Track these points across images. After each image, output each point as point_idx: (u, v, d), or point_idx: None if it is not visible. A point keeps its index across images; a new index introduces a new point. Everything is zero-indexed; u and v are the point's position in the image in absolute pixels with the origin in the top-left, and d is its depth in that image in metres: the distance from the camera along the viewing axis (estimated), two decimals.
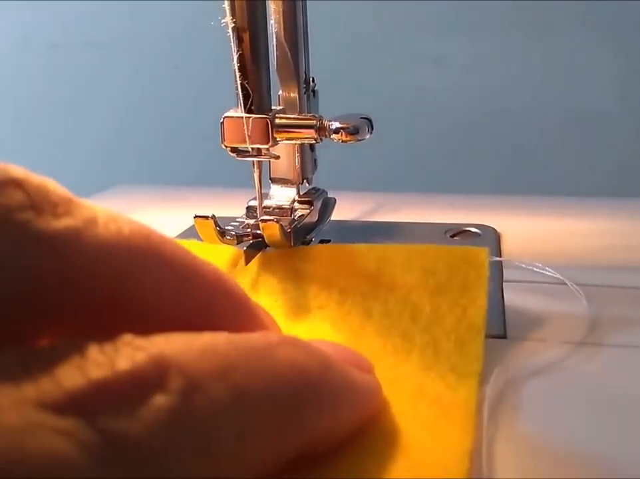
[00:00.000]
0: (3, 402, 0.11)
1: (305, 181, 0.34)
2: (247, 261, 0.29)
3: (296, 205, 0.33)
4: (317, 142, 0.30)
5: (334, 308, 0.26)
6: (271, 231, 0.28)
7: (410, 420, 0.19)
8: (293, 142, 0.31)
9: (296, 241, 0.31)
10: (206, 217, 0.29)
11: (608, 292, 0.29)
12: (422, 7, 0.77)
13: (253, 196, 0.33)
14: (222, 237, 0.30)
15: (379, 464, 0.18)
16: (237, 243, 0.30)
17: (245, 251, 0.29)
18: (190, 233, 0.36)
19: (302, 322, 0.26)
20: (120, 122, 0.91)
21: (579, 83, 0.77)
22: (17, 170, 0.15)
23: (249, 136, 0.29)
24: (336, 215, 0.36)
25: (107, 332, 0.15)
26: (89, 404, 0.12)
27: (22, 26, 0.91)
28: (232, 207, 0.34)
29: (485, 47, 0.78)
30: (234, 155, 0.30)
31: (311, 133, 0.29)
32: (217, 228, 0.29)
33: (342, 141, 0.29)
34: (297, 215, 0.32)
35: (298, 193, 0.33)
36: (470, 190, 0.74)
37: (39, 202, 0.14)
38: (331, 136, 0.29)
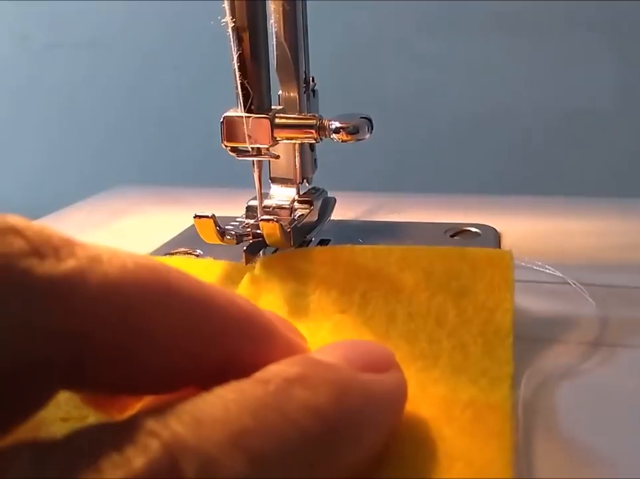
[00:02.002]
0: None
1: (304, 180, 0.34)
2: (247, 261, 0.29)
3: (296, 204, 0.33)
4: (316, 142, 0.30)
5: (356, 312, 0.25)
6: (271, 230, 0.28)
7: (446, 426, 0.19)
8: (293, 141, 0.31)
9: (296, 241, 0.31)
10: (206, 217, 0.29)
11: (609, 292, 0.29)
12: (422, 7, 0.77)
13: (253, 196, 0.33)
14: (222, 237, 0.29)
15: (424, 472, 0.17)
16: (237, 243, 0.30)
17: (245, 251, 0.29)
18: (190, 233, 0.36)
19: (324, 328, 0.25)
20: (119, 122, 0.91)
21: (580, 83, 0.77)
22: (15, 218, 0.15)
23: (249, 136, 0.29)
24: (336, 214, 0.36)
25: (122, 374, 0.15)
26: None
27: (21, 27, 0.91)
28: (232, 207, 0.34)
29: (485, 47, 0.78)
30: (234, 154, 0.30)
31: (311, 133, 0.29)
32: (217, 228, 0.29)
33: (343, 140, 0.29)
34: (297, 215, 0.32)
35: (298, 192, 0.33)
36: (469, 190, 0.74)
37: (41, 247, 0.14)
38: (331, 136, 0.29)
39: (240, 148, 0.30)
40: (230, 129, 0.29)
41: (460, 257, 0.27)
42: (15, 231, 0.14)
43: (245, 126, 0.29)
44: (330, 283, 0.27)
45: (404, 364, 0.20)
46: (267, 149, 0.29)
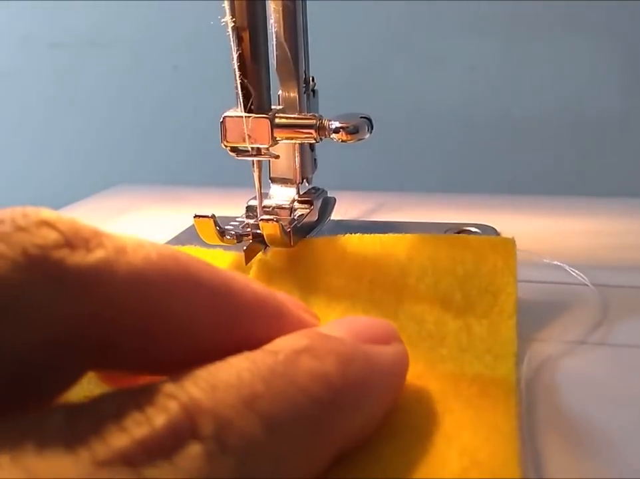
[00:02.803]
0: (64, 464, 0.12)
1: (304, 180, 0.34)
2: (247, 261, 0.29)
3: (296, 204, 0.33)
4: (316, 142, 0.30)
5: (365, 296, 0.26)
6: (271, 230, 0.28)
7: (453, 399, 0.20)
8: (293, 141, 0.31)
9: (296, 241, 0.31)
10: (206, 217, 0.29)
11: (610, 291, 0.29)
12: (422, 7, 0.77)
13: (253, 196, 0.33)
14: (222, 237, 0.30)
15: (433, 443, 0.18)
16: (237, 243, 0.30)
17: (245, 251, 0.29)
18: (190, 232, 0.36)
19: (335, 311, 0.26)
20: (119, 122, 0.91)
21: (580, 83, 0.77)
22: (48, 212, 0.16)
23: (248, 136, 0.29)
24: (336, 214, 0.36)
25: (146, 356, 0.17)
26: (136, 458, 0.13)
27: (22, 26, 0.91)
28: (232, 207, 0.34)
29: (486, 47, 0.78)
30: (234, 154, 0.30)
31: (310, 133, 0.29)
32: (217, 228, 0.29)
33: (342, 140, 0.29)
34: (297, 215, 0.32)
35: (298, 192, 0.33)
36: (470, 190, 0.74)
37: (72, 239, 0.15)
38: (331, 136, 0.29)
39: (240, 148, 0.30)
40: (230, 129, 0.29)
41: (464, 244, 0.28)
42: (48, 224, 0.15)
43: (245, 126, 0.29)
44: (340, 269, 0.28)
45: (412, 343, 0.22)
46: (267, 149, 0.29)
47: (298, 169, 0.33)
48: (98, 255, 0.15)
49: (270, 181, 0.34)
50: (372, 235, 0.29)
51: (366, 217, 0.42)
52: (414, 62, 0.80)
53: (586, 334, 0.26)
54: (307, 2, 0.31)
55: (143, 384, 0.15)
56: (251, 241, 0.30)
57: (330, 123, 0.29)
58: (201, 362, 0.16)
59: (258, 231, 0.29)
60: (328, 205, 0.35)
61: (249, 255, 0.30)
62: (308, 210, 0.33)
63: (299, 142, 0.31)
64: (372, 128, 0.29)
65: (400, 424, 0.19)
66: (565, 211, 0.42)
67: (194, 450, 0.13)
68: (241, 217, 0.33)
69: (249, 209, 0.33)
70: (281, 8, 0.30)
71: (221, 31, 0.28)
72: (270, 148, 0.29)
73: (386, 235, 0.29)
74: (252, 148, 0.29)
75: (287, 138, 0.30)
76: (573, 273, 0.30)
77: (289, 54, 0.31)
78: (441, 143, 0.82)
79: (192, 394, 0.14)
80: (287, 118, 0.30)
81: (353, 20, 0.80)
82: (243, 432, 0.14)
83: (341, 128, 0.29)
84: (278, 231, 0.28)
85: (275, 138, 0.29)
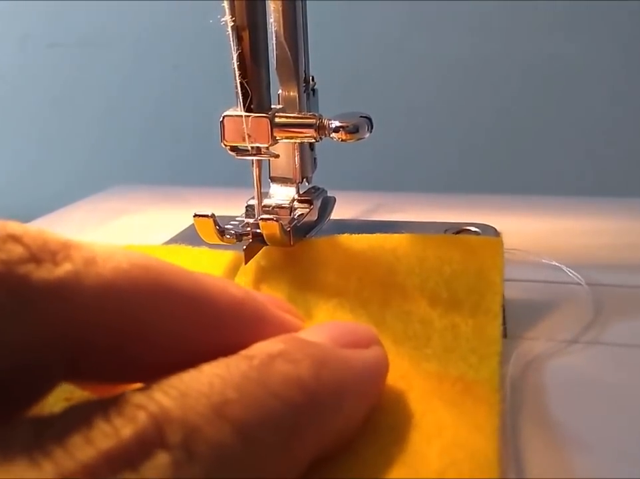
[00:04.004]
0: (27, 477, 0.12)
1: (304, 180, 0.34)
2: (247, 260, 0.29)
3: (296, 204, 0.33)
4: (316, 141, 0.30)
5: (353, 295, 0.26)
6: (271, 230, 0.28)
7: (436, 399, 0.20)
8: (293, 140, 0.31)
9: (295, 240, 0.31)
10: (206, 216, 0.29)
11: (611, 291, 0.29)
12: (422, 6, 0.77)
13: (253, 195, 0.33)
14: (222, 236, 0.29)
15: (413, 442, 0.18)
16: (237, 242, 0.30)
17: (244, 250, 0.29)
18: (190, 232, 0.36)
19: (322, 310, 0.26)
20: (118, 122, 0.91)
21: (580, 83, 0.77)
22: (14, 225, 0.15)
23: (248, 135, 0.29)
24: (336, 214, 0.36)
25: (119, 366, 0.16)
26: (101, 471, 0.13)
27: (22, 26, 0.91)
28: (232, 207, 0.34)
29: (486, 47, 0.78)
30: (233, 154, 0.30)
31: (310, 132, 0.29)
32: (217, 227, 0.29)
33: (342, 140, 0.29)
34: (297, 214, 0.32)
35: (298, 192, 0.33)
36: (470, 189, 0.74)
37: (38, 253, 0.15)
38: (331, 135, 0.29)
39: (239, 147, 0.30)
40: (229, 128, 0.29)
41: (452, 244, 0.28)
42: (14, 238, 0.15)
43: (244, 125, 0.29)
44: (328, 268, 0.28)
45: (397, 343, 0.22)
46: (267, 148, 0.29)
47: (298, 169, 0.33)
48: (65, 268, 0.15)
49: (270, 180, 0.34)
50: (361, 234, 0.29)
51: (366, 216, 0.42)
52: (415, 62, 0.80)
53: (577, 333, 0.26)
54: (307, 1, 0.31)
55: (113, 395, 0.15)
56: (250, 240, 0.30)
57: (330, 122, 0.29)
58: (178, 368, 0.16)
59: (258, 231, 0.29)
60: (328, 204, 0.35)
61: (248, 254, 0.30)
62: (308, 210, 0.33)
63: (299, 141, 0.31)
64: (372, 128, 0.29)
65: (381, 424, 0.19)
66: (565, 210, 0.42)
67: (161, 459, 0.13)
68: (241, 216, 0.33)
69: (249, 208, 0.33)
70: (280, 8, 0.30)
71: (221, 31, 0.28)
72: (270, 147, 0.29)
73: (375, 234, 0.29)
74: (252, 147, 0.29)
75: (286, 138, 0.30)
76: (569, 273, 0.30)
77: (288, 53, 0.31)
78: (441, 143, 0.82)
79: (161, 403, 0.14)
80: (286, 117, 0.29)
81: (354, 19, 0.80)
82: (213, 440, 0.14)
83: (341, 127, 0.29)
84: (278, 231, 0.28)
85: (275, 137, 0.29)
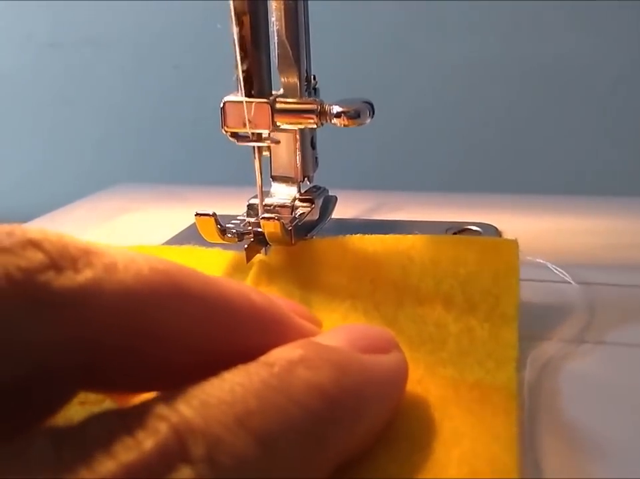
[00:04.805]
0: None
1: (306, 179, 0.33)
2: (248, 259, 0.29)
3: (297, 203, 0.33)
4: (318, 127, 0.29)
5: (366, 298, 0.26)
6: (272, 229, 0.28)
7: (453, 406, 0.20)
8: (294, 126, 0.30)
9: (297, 239, 0.31)
10: (207, 215, 0.29)
11: (612, 290, 0.29)
12: (423, 6, 0.77)
13: (254, 194, 0.33)
14: (223, 235, 0.29)
15: (432, 451, 0.18)
16: (238, 241, 0.30)
17: (245, 249, 0.29)
18: (190, 231, 0.36)
19: (336, 313, 0.26)
20: (119, 121, 0.91)
21: (580, 83, 0.77)
22: (34, 231, 0.15)
23: (249, 121, 0.28)
24: (337, 213, 0.36)
25: (139, 374, 0.16)
26: None
27: (23, 26, 0.91)
28: (233, 206, 0.34)
29: (486, 47, 0.78)
30: (234, 140, 0.29)
31: (312, 118, 0.29)
32: (218, 226, 0.29)
33: (344, 125, 0.28)
34: (298, 213, 0.32)
35: (299, 191, 0.33)
36: (470, 188, 0.74)
37: (59, 260, 0.15)
38: (332, 121, 0.29)
39: (240, 134, 0.29)
40: (230, 114, 0.29)
41: (467, 245, 0.27)
42: (34, 244, 0.15)
43: (245, 111, 0.28)
44: (341, 270, 0.27)
45: (412, 347, 0.22)
46: (268, 135, 0.29)
47: (299, 168, 0.33)
48: (86, 275, 0.15)
49: (271, 179, 0.34)
50: (373, 235, 0.29)
51: (367, 216, 0.42)
52: (415, 61, 0.80)
53: (578, 333, 0.26)
54: (309, 1, 0.31)
55: (133, 405, 0.15)
56: (252, 239, 0.30)
57: (331, 108, 0.29)
58: (197, 375, 0.16)
59: (259, 230, 0.29)
60: (329, 203, 0.35)
61: (250, 253, 0.30)
62: (309, 209, 0.33)
63: (300, 127, 0.30)
64: (373, 113, 0.29)
65: (398, 431, 0.19)
66: (566, 209, 0.42)
67: (184, 473, 0.13)
68: (242, 215, 0.33)
69: (250, 207, 0.33)
70: (282, 7, 0.30)
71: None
72: (271, 134, 0.29)
73: (388, 235, 0.29)
74: (252, 134, 0.29)
75: (288, 124, 0.29)
76: (558, 272, 0.30)
77: (290, 52, 0.31)
78: (442, 142, 0.82)
79: (183, 414, 0.14)
80: (287, 102, 0.29)
81: (356, 18, 0.80)
82: (236, 451, 0.14)
83: (342, 112, 0.28)
84: (279, 230, 0.28)
85: (276, 123, 0.29)
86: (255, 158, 0.30)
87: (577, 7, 0.74)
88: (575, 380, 0.23)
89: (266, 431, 0.14)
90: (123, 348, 0.16)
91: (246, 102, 0.28)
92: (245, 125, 0.29)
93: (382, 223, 0.39)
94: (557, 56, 0.77)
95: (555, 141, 0.79)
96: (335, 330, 0.20)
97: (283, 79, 0.31)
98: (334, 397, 0.16)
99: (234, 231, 0.30)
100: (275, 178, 0.33)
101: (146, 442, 0.13)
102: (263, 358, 0.17)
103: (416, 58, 0.80)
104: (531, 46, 0.77)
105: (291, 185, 0.33)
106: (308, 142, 0.33)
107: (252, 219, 0.32)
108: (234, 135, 0.29)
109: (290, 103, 0.29)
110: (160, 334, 0.16)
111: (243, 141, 0.29)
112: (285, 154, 0.32)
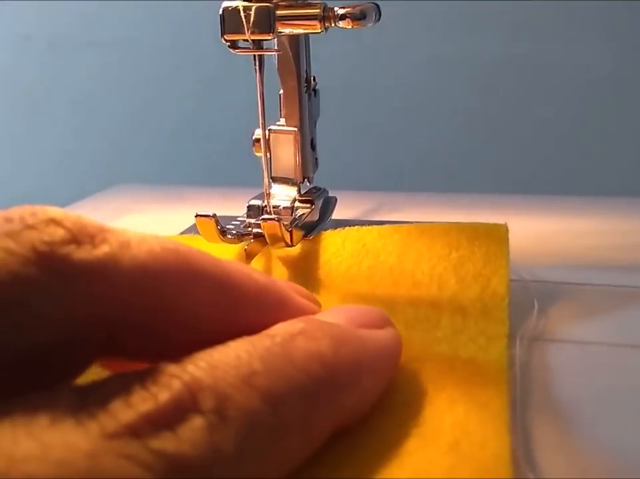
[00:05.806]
0: (75, 437, 0.13)
1: (305, 180, 0.34)
2: (249, 260, 0.30)
3: (297, 204, 0.33)
4: (321, 32, 0.28)
5: (364, 282, 0.28)
6: (272, 230, 0.28)
7: (448, 378, 0.21)
8: (297, 31, 0.29)
9: (297, 241, 0.31)
10: (207, 216, 0.29)
11: (612, 290, 0.29)
12: (423, 7, 0.77)
13: (254, 195, 0.33)
14: (223, 236, 0.30)
15: (427, 417, 0.19)
16: (239, 242, 0.30)
17: (246, 250, 0.30)
18: (191, 232, 0.36)
19: (334, 296, 0.27)
20: (120, 122, 0.91)
21: (580, 83, 0.77)
22: (55, 210, 0.17)
23: (249, 28, 0.27)
24: (337, 214, 0.36)
25: (150, 345, 0.18)
26: (142, 431, 0.14)
27: (23, 26, 0.91)
28: (233, 207, 0.34)
29: (486, 47, 0.78)
30: (233, 50, 0.28)
31: (315, 24, 0.28)
32: (219, 227, 0.29)
33: (351, 26, 0.27)
34: (298, 214, 0.32)
35: (299, 192, 0.33)
36: (470, 189, 0.74)
37: (78, 235, 0.16)
38: (338, 23, 0.28)
39: (240, 44, 0.28)
40: (229, 21, 0.27)
41: (459, 231, 0.29)
42: (55, 222, 0.16)
43: (242, 15, 0.27)
44: (339, 258, 0.29)
45: (408, 326, 0.23)
46: (269, 39, 0.28)
47: (299, 169, 0.33)
48: (103, 250, 0.16)
49: (271, 180, 0.34)
50: (369, 226, 0.30)
51: (367, 216, 0.42)
52: (415, 61, 0.80)
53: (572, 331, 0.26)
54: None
55: (147, 367, 0.16)
56: (252, 240, 0.30)
57: (335, 11, 0.27)
58: (205, 347, 0.16)
59: (259, 231, 0.29)
60: (329, 204, 0.35)
61: (250, 254, 0.30)
62: (309, 210, 0.33)
63: (303, 32, 0.29)
64: (379, 15, 0.28)
65: (396, 401, 0.20)
66: (570, 210, 0.42)
67: (196, 422, 0.14)
68: (243, 216, 0.33)
69: (250, 208, 0.33)
70: None
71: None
72: (272, 41, 0.28)
73: (384, 226, 0.30)
74: (253, 41, 0.28)
75: (290, 29, 0.28)
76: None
77: (290, 53, 0.31)
78: (442, 142, 0.82)
79: (193, 374, 0.15)
80: (289, 7, 0.28)
81: None
82: (243, 405, 0.15)
83: (347, 14, 0.27)
84: (279, 231, 0.28)
85: (277, 29, 0.28)
86: (255, 70, 0.29)
87: (577, 7, 0.74)
88: (564, 355, 0.24)
89: (271, 390, 0.16)
90: (138, 319, 0.17)
91: (245, 6, 0.27)
92: (244, 32, 0.27)
93: (383, 224, 0.39)
94: (557, 56, 0.77)
95: (555, 141, 0.79)
96: (333, 309, 0.22)
97: (282, 83, 0.31)
98: (333, 365, 0.17)
99: (234, 232, 0.30)
100: (275, 179, 0.33)
101: (161, 394, 0.14)
102: (265, 331, 0.18)
103: (416, 59, 0.80)
104: (531, 46, 0.77)
105: (291, 187, 0.33)
106: (308, 143, 0.33)
107: (252, 220, 0.32)
108: (233, 45, 0.28)
109: (292, 7, 0.28)
110: (169, 308, 0.17)
111: (242, 51, 0.28)
112: (285, 155, 0.32)
